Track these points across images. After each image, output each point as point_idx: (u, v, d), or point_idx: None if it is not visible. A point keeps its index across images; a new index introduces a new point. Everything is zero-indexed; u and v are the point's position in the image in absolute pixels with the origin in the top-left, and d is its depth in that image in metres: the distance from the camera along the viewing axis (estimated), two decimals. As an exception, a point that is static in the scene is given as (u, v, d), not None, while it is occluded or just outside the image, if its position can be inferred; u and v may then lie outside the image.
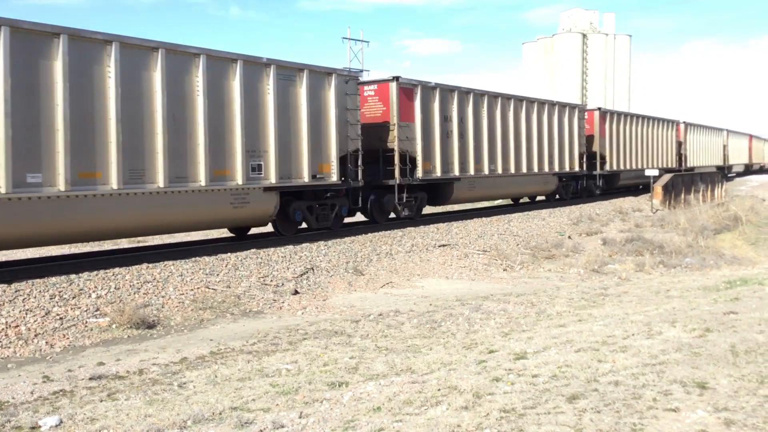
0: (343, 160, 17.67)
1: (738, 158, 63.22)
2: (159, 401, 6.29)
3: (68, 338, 9.29)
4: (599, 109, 33.16)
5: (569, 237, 21.96)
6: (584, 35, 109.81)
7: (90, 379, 7.28)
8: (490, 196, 26.19)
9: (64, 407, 6.24)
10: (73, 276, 11.44)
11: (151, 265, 12.61)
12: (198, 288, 11.94)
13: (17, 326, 9.38)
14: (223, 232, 20.66)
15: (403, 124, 19.39)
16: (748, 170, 68.85)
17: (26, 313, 9.78)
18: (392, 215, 20.59)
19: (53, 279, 11.13)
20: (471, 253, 17.55)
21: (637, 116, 37.66)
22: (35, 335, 9.24)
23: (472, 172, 22.58)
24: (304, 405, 5.81)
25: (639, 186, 38.48)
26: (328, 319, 10.58)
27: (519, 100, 25.78)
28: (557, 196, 29.85)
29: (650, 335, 7.32)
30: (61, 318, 9.85)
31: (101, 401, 6.40)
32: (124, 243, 19.39)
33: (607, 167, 33.02)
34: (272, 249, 14.99)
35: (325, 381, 6.64)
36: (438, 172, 20.97)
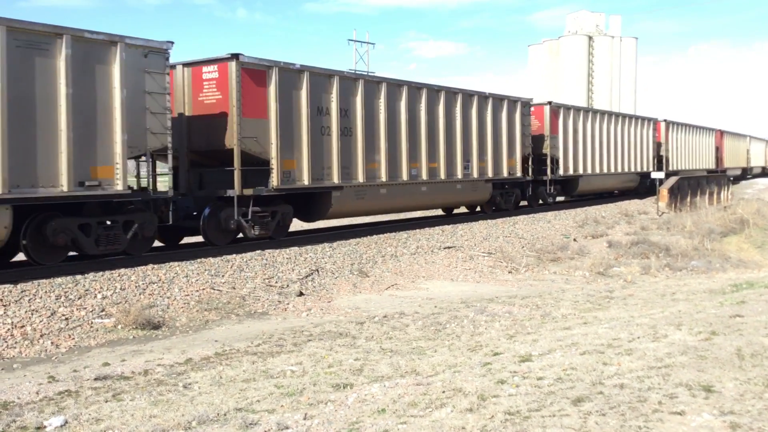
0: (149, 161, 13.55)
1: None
2: (164, 402, 6.30)
3: (73, 339, 9.32)
4: (550, 103, 27.97)
5: (574, 240, 21.94)
6: (590, 38, 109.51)
7: (95, 379, 7.31)
8: (391, 208, 20.45)
9: (70, 407, 6.26)
10: (78, 277, 11.47)
11: (156, 266, 12.63)
12: (203, 289, 11.97)
13: (23, 326, 9.42)
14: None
15: (249, 119, 14.85)
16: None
17: (32, 314, 9.81)
18: (240, 234, 15.73)
19: (59, 279, 11.16)
20: (476, 255, 17.54)
21: (602, 113, 32.78)
22: (41, 335, 9.27)
23: (361, 179, 17.68)
24: (308, 406, 5.81)
25: (614, 192, 35.29)
26: (333, 321, 10.59)
27: (435, 90, 20.62)
28: (493, 208, 24.55)
29: (656, 338, 7.30)
30: (66, 318, 9.89)
31: (106, 402, 6.42)
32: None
33: (561, 172, 27.77)
34: (277, 251, 15.01)
35: (330, 382, 6.64)
36: (306, 180, 16.09)
